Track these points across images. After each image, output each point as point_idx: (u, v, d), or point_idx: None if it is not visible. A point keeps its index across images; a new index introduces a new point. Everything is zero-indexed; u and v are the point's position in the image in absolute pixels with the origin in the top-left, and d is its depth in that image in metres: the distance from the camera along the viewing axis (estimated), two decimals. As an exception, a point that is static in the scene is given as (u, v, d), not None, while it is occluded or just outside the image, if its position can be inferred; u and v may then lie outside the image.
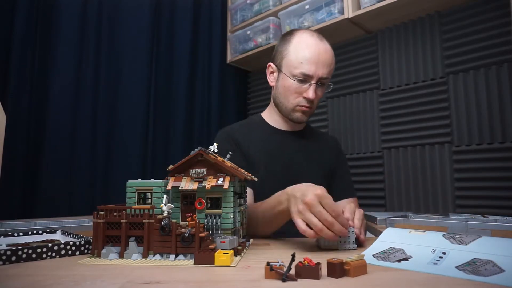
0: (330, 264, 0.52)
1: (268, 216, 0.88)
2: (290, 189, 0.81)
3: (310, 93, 1.07)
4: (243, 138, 1.16)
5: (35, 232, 0.83)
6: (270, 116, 1.24)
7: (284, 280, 0.49)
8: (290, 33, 1.16)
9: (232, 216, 0.68)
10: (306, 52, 1.07)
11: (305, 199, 0.71)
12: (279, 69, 1.14)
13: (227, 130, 1.21)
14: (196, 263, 0.59)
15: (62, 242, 0.71)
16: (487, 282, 0.47)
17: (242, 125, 1.24)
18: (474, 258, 0.54)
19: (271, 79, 1.19)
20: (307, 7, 1.81)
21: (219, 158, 0.71)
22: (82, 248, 0.71)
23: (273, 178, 1.09)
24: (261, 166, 1.10)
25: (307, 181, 1.12)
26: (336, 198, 1.18)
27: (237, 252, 0.66)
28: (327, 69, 1.09)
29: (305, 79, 1.07)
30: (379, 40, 1.74)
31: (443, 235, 0.62)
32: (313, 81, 1.07)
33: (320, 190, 0.72)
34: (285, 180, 1.10)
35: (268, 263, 0.51)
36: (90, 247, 0.70)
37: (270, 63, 1.19)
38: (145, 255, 0.64)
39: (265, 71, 1.25)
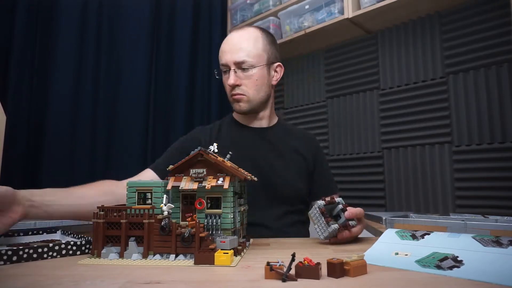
0: (330, 264, 0.52)
1: None
2: None
3: (229, 79, 1.09)
4: (209, 138, 1.15)
5: (35, 232, 0.83)
6: (238, 114, 1.23)
7: (284, 280, 0.49)
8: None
9: (232, 216, 0.68)
10: (222, 45, 1.14)
11: None
12: None
13: (197, 129, 1.22)
14: (196, 263, 0.59)
15: (63, 242, 0.71)
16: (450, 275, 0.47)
17: (215, 125, 1.24)
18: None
19: None
20: (307, 7, 1.81)
21: (219, 158, 0.71)
22: (83, 248, 0.71)
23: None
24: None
25: (280, 176, 1.12)
26: (318, 195, 1.14)
27: (237, 252, 0.66)
28: (241, 52, 1.09)
29: (225, 69, 1.12)
30: (379, 40, 1.75)
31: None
32: (231, 68, 1.10)
33: None
34: (257, 177, 1.09)
35: (268, 263, 0.51)
36: (91, 247, 0.70)
37: None
38: (145, 255, 0.64)
39: None
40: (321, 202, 0.82)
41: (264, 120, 1.19)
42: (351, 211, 0.82)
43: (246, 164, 1.09)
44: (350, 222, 0.80)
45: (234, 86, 1.09)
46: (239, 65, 1.09)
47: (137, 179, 1.07)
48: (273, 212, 1.08)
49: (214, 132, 1.18)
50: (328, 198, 0.84)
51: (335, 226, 0.77)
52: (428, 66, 1.56)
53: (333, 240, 0.81)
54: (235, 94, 1.11)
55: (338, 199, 0.84)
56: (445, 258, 0.56)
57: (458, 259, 0.55)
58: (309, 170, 1.18)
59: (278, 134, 1.19)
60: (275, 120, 1.23)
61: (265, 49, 1.12)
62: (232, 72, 1.09)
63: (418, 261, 0.57)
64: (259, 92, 1.12)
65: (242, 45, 1.10)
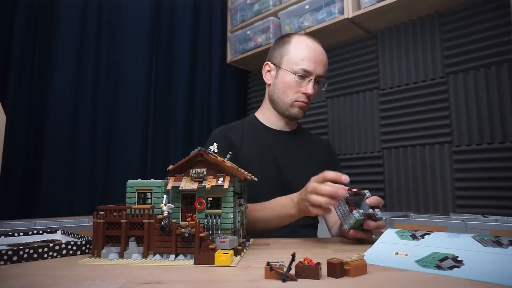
0: (330, 264, 0.52)
1: (270, 219, 0.96)
2: (295, 195, 0.90)
3: (309, 88, 1.14)
4: (236, 136, 1.19)
5: (35, 232, 0.83)
6: (264, 115, 1.27)
7: (284, 280, 0.49)
8: (288, 35, 1.24)
9: (232, 216, 0.68)
10: (306, 51, 1.16)
11: (307, 189, 0.81)
12: (278, 67, 1.20)
13: (222, 129, 1.24)
14: (196, 263, 0.59)
15: (63, 242, 0.71)
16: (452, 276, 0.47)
17: (237, 124, 1.27)
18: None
19: (268, 77, 1.24)
20: (307, 7, 1.81)
21: (219, 158, 0.71)
22: (83, 248, 0.71)
23: (265, 176, 1.11)
24: (254, 164, 1.12)
25: (298, 179, 1.15)
26: None
27: (237, 252, 0.66)
28: (324, 68, 1.18)
29: (305, 75, 1.14)
30: (379, 40, 1.75)
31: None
32: (312, 78, 1.14)
33: (313, 180, 0.82)
34: (277, 178, 1.15)
35: (268, 263, 0.51)
36: (91, 247, 0.70)
37: (268, 62, 1.25)
38: (145, 255, 0.64)
39: None
40: (346, 192, 0.79)
41: (290, 124, 1.26)
42: (371, 197, 0.82)
43: (267, 165, 1.16)
44: (376, 211, 0.77)
45: (308, 95, 1.15)
46: (318, 78, 1.16)
47: None
48: None
49: (239, 132, 1.21)
50: (354, 189, 0.81)
51: (358, 214, 0.74)
52: (428, 66, 1.56)
53: (356, 234, 0.79)
54: (304, 102, 1.17)
55: (365, 191, 0.81)
56: (445, 258, 0.56)
57: (458, 259, 0.55)
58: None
59: (299, 138, 1.27)
60: (296, 125, 1.30)
61: None
62: (313, 83, 1.15)
63: (418, 261, 0.57)
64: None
65: (325, 61, 1.19)
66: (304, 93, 1.15)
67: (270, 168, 1.15)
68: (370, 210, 0.78)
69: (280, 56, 1.19)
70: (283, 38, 1.23)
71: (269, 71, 1.24)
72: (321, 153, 1.28)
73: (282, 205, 0.94)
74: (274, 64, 1.22)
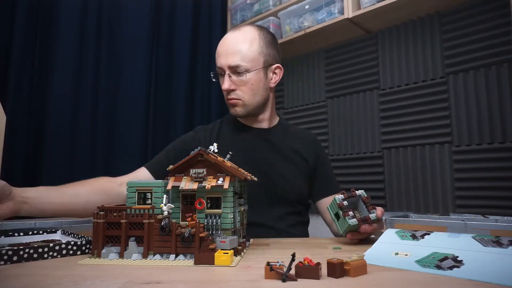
0: (330, 264, 0.52)
1: None
2: None
3: (223, 84, 1.06)
4: (210, 135, 1.14)
5: (35, 232, 0.83)
6: None
7: (284, 280, 0.49)
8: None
9: (232, 216, 0.68)
10: (217, 47, 1.09)
11: None
12: None
13: (198, 129, 1.20)
14: (196, 263, 0.59)
15: (63, 242, 0.71)
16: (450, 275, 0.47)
17: (214, 124, 1.22)
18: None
19: None
20: (307, 7, 1.81)
21: (219, 158, 0.71)
22: (83, 248, 0.71)
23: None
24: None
25: (280, 175, 1.10)
26: (321, 195, 1.16)
27: (237, 252, 0.66)
28: (236, 56, 1.04)
29: (220, 73, 1.08)
30: (379, 40, 1.75)
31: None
32: (224, 72, 1.06)
33: None
34: (256, 176, 1.08)
35: (268, 263, 0.51)
36: (91, 247, 0.70)
37: None
38: (145, 255, 0.64)
39: None
40: (339, 196, 0.81)
41: (264, 122, 1.17)
42: (378, 209, 0.82)
43: (246, 164, 1.08)
44: (371, 215, 0.79)
45: (229, 91, 1.07)
46: (234, 70, 1.05)
47: (132, 177, 1.06)
48: (274, 212, 1.07)
49: (214, 132, 1.17)
50: (346, 193, 0.83)
51: (353, 220, 0.77)
52: (428, 66, 1.56)
53: (353, 236, 0.81)
54: (230, 99, 1.08)
55: (359, 192, 0.83)
56: (445, 258, 0.56)
57: (458, 259, 0.55)
58: (310, 171, 1.16)
59: (278, 135, 1.17)
60: (275, 121, 1.21)
61: (261, 52, 1.07)
62: (226, 77, 1.05)
63: (418, 261, 0.57)
64: (255, 96, 1.08)
65: (236, 48, 1.05)
66: (223, 90, 1.08)
67: (250, 168, 1.05)
68: (366, 211, 0.81)
69: None
70: None
71: None
72: (306, 147, 1.17)
73: None
74: None
